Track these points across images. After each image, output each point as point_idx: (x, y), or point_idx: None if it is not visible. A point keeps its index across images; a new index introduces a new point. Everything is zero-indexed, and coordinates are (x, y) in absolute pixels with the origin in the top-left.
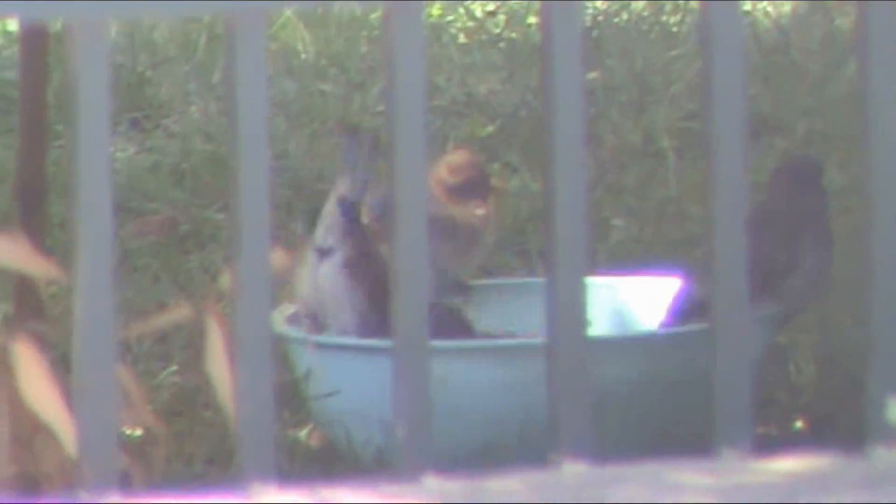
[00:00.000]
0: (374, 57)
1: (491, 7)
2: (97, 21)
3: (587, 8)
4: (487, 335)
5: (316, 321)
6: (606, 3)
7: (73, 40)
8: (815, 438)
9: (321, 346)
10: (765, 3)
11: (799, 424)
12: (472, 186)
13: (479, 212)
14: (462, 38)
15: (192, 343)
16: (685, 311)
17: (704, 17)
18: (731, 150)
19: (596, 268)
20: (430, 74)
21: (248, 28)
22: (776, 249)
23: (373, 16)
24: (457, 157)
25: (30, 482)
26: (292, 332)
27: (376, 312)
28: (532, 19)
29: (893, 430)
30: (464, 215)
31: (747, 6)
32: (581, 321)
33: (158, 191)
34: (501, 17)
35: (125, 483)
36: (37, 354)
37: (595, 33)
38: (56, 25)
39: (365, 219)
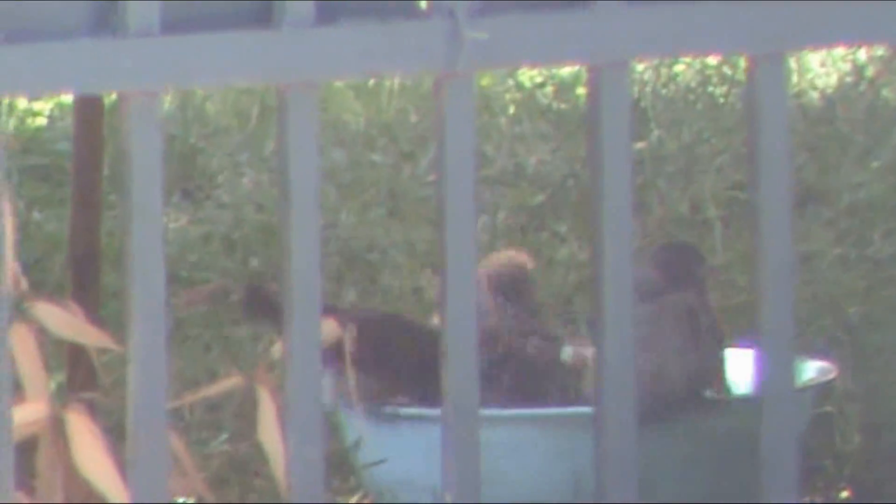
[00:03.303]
0: (424, 127)
1: (539, 78)
2: (150, 91)
3: (634, 78)
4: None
5: None
6: (654, 73)
7: (126, 111)
8: None
9: (371, 415)
10: (811, 74)
11: (845, 494)
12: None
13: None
14: (511, 109)
15: (242, 412)
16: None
17: (750, 88)
18: (776, 219)
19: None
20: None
21: (301, 98)
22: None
23: (423, 86)
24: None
25: None
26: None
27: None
28: (581, 90)
29: None
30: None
31: (794, 77)
32: (629, 390)
33: (210, 260)
34: (550, 88)
35: None
36: (90, 424)
37: (643, 103)
38: (110, 97)
39: None
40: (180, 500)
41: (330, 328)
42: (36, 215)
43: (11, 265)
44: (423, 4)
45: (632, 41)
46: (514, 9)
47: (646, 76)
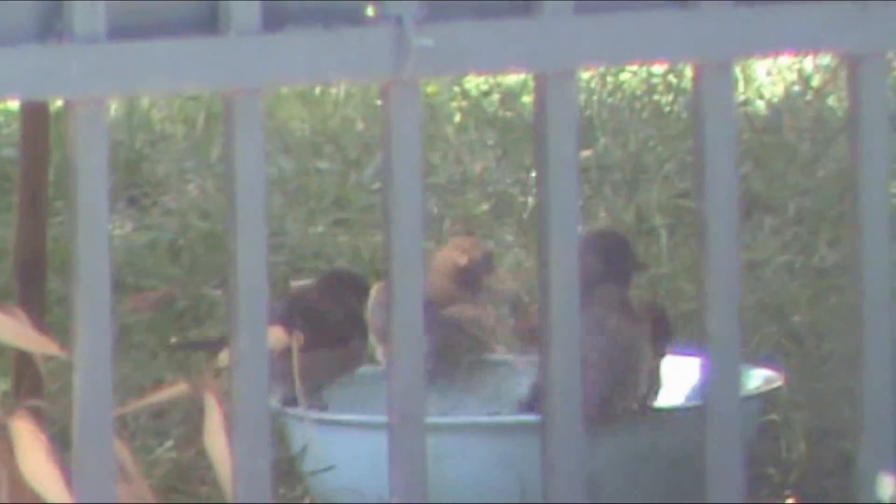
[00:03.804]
0: (370, 134)
1: (485, 87)
2: (97, 98)
3: (580, 86)
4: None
5: None
6: (600, 82)
7: (72, 117)
8: None
9: (318, 422)
10: (757, 83)
11: (790, 501)
12: (480, 269)
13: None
14: (457, 117)
15: (188, 419)
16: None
17: (696, 96)
18: (723, 227)
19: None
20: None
21: (247, 105)
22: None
23: (369, 93)
24: (463, 240)
25: None
26: (289, 408)
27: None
28: (526, 98)
29: None
30: (469, 304)
31: (740, 86)
32: (576, 397)
33: (155, 267)
34: (496, 97)
35: None
36: (35, 430)
37: (588, 112)
38: (56, 104)
39: None
40: None
41: (277, 335)
42: None
43: None
44: (371, 11)
45: (579, 49)
46: (462, 16)
47: (592, 84)
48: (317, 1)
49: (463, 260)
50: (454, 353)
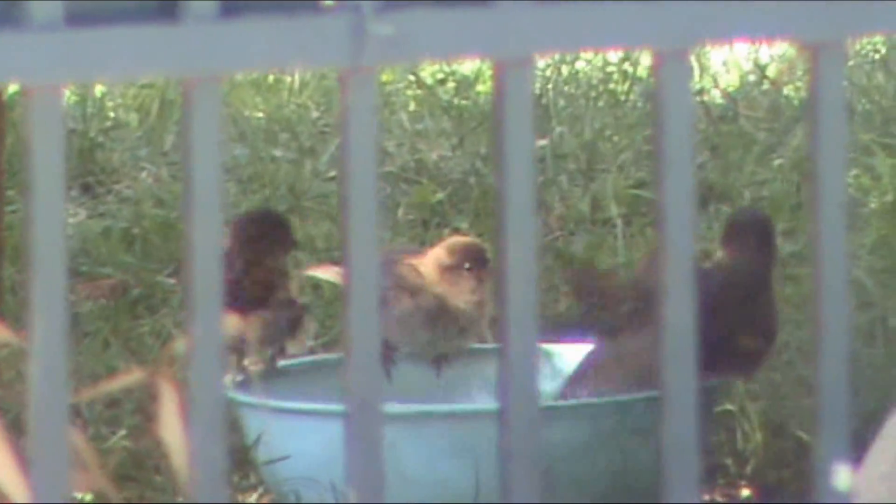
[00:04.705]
0: (325, 122)
1: (440, 75)
2: (53, 85)
3: (536, 75)
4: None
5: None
6: (555, 70)
7: (28, 104)
8: None
9: (272, 410)
10: (712, 72)
11: (746, 492)
12: (468, 267)
13: (472, 296)
14: (412, 105)
15: (142, 408)
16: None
17: (655, 85)
18: (680, 217)
19: (544, 335)
20: (381, 141)
21: (204, 92)
22: (736, 315)
23: (324, 82)
24: (458, 239)
25: None
26: (243, 396)
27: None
28: (481, 87)
29: (841, 498)
30: (455, 300)
31: (696, 76)
32: (533, 387)
33: (109, 255)
34: (451, 85)
35: None
36: None
37: (544, 100)
38: (8, 91)
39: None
40: (80, 496)
41: (232, 322)
42: None
43: None
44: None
45: (537, 36)
46: (419, 4)
47: (547, 73)
48: None
49: (449, 259)
50: (458, 345)
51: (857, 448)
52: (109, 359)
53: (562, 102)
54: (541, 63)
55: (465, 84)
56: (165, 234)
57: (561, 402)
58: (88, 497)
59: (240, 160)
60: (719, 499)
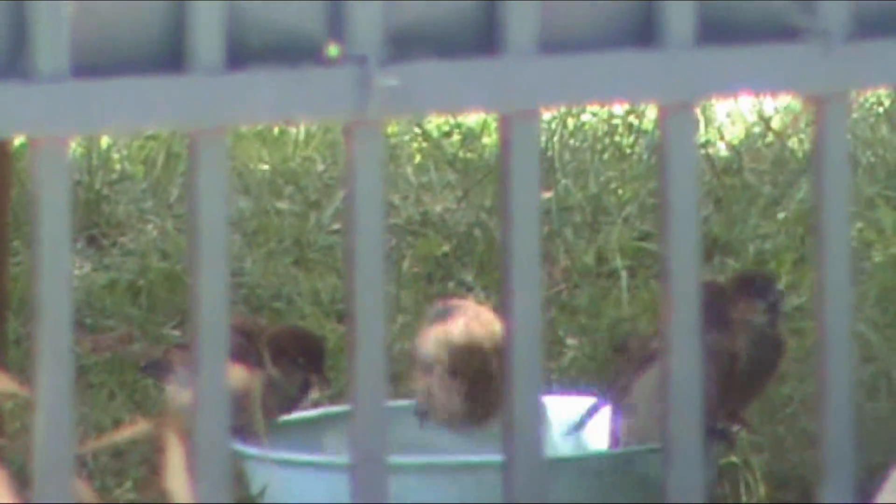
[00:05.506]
0: (330, 175)
1: (446, 127)
2: (60, 136)
3: (542, 127)
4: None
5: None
6: (560, 123)
7: (35, 156)
8: None
9: (278, 462)
10: (717, 124)
11: None
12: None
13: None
14: (417, 158)
15: (148, 459)
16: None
17: (660, 138)
18: (684, 270)
19: (549, 387)
20: (386, 193)
21: (211, 144)
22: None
23: (329, 134)
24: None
25: None
26: (249, 448)
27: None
28: (486, 140)
29: None
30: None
31: (700, 128)
32: (538, 440)
33: (114, 308)
34: (456, 137)
35: None
36: None
37: (549, 153)
38: (15, 142)
39: None
40: None
41: (239, 375)
42: None
43: None
44: (335, 51)
45: (543, 89)
46: (426, 56)
47: (553, 126)
48: (281, 40)
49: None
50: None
51: (862, 501)
52: (115, 410)
53: (567, 155)
54: (546, 115)
55: (470, 137)
56: (171, 287)
57: (566, 454)
58: None
59: (244, 213)
60: None
